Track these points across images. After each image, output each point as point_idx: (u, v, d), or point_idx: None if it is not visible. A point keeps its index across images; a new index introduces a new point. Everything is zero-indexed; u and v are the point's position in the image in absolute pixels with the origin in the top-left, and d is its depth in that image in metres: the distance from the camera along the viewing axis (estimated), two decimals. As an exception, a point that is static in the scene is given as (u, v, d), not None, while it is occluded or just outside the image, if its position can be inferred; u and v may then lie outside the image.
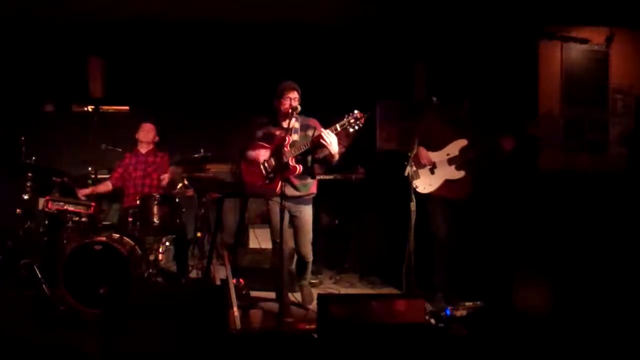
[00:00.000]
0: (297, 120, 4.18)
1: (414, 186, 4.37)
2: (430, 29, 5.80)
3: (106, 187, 5.14)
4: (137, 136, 5.21)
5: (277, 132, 4.18)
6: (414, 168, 4.39)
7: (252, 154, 4.22)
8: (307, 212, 4.30)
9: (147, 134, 5.18)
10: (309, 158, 4.19)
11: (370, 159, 6.06)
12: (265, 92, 4.43)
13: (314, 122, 4.24)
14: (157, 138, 5.25)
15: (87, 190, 5.00)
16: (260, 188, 4.21)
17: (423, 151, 4.49)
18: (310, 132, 4.18)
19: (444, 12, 5.51)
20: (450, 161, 4.50)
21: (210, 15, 5.87)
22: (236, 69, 6.33)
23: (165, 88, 6.29)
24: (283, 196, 3.96)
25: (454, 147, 4.50)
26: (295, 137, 4.17)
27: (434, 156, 4.52)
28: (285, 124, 4.10)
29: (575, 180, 5.15)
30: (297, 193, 4.21)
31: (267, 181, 4.16)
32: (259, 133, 4.27)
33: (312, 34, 6.07)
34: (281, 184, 3.91)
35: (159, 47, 6.23)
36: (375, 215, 5.96)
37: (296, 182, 4.19)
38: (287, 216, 4.18)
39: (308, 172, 4.24)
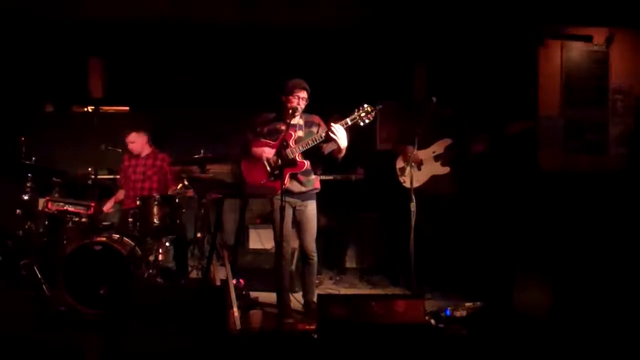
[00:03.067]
0: (301, 117, 4.18)
1: (401, 181, 4.57)
2: (430, 29, 5.80)
3: (120, 196, 5.19)
4: (129, 147, 5.14)
5: (282, 128, 4.18)
6: (404, 164, 4.53)
7: (256, 150, 4.19)
8: (312, 207, 4.27)
9: (134, 145, 5.07)
10: (314, 154, 4.18)
11: (369, 159, 6.07)
12: (266, 93, 4.43)
13: (317, 118, 4.25)
14: (147, 140, 5.15)
15: (110, 204, 5.11)
16: (263, 186, 4.18)
17: (410, 150, 4.58)
18: (314, 129, 4.18)
19: (444, 13, 5.51)
20: (436, 158, 4.79)
21: (211, 17, 5.86)
22: (237, 70, 6.33)
23: (165, 88, 6.28)
24: (287, 192, 3.95)
25: (439, 146, 4.82)
26: (300, 133, 4.17)
27: (421, 154, 4.77)
28: (290, 121, 4.10)
29: (576, 181, 5.15)
30: (303, 188, 4.20)
31: (272, 178, 4.14)
32: (264, 129, 4.25)
33: (313, 36, 6.06)
34: (284, 180, 3.91)
35: (159, 48, 6.23)
36: (375, 215, 5.97)
37: (302, 178, 4.18)
38: (289, 215, 4.16)
39: (312, 168, 4.23)
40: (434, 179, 4.74)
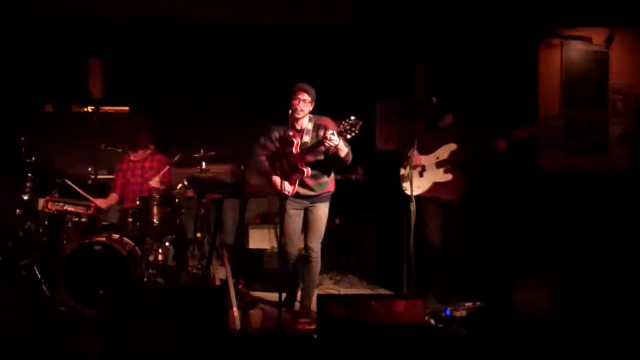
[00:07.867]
0: (310, 120, 4.12)
1: (403, 188, 4.42)
2: (430, 30, 5.80)
3: (112, 199, 5.06)
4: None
5: (290, 134, 4.13)
6: (407, 170, 4.40)
7: (276, 181, 4.09)
8: (321, 208, 4.24)
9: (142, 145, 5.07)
10: (322, 158, 4.14)
11: (369, 159, 6.06)
12: (265, 92, 4.43)
13: (326, 120, 4.15)
14: (150, 142, 5.15)
15: (104, 200, 4.98)
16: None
17: (414, 153, 4.50)
18: (322, 132, 4.01)
19: (444, 13, 5.51)
20: (439, 164, 4.53)
21: (211, 16, 5.86)
22: (237, 70, 6.33)
23: (165, 88, 6.29)
24: (297, 195, 3.98)
25: (444, 151, 4.54)
26: (306, 138, 4.11)
27: (424, 159, 4.57)
28: (297, 126, 4.08)
29: (576, 181, 5.16)
30: (311, 193, 4.18)
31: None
32: (277, 135, 4.18)
33: (313, 36, 6.06)
34: (293, 186, 3.92)
35: (158, 48, 6.23)
36: (374, 215, 5.96)
37: (310, 182, 4.14)
38: (299, 217, 4.19)
39: (323, 172, 4.17)
40: (435, 186, 4.52)
